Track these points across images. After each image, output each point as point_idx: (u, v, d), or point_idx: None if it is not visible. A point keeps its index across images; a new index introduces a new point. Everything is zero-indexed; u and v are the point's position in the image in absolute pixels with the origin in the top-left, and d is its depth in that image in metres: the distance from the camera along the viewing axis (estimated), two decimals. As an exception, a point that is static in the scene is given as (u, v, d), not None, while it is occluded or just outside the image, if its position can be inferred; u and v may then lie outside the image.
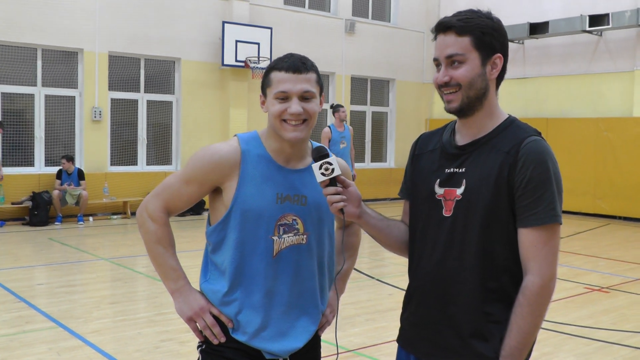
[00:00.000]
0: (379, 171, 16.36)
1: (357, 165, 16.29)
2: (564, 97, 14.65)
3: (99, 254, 8.90)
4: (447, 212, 1.93)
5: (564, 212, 13.85)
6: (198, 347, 2.18)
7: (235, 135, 2.17)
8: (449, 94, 1.91)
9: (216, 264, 2.13)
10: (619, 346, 5.20)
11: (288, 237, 2.10)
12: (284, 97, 2.04)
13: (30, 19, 11.54)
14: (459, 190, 1.91)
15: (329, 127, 10.07)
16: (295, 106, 2.03)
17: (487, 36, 1.87)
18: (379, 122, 16.89)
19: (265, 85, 2.11)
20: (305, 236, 2.13)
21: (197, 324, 2.14)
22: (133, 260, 8.44)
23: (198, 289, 2.20)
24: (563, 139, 14.11)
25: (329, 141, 9.88)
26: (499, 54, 1.90)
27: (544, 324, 5.55)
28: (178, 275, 2.15)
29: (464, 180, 1.91)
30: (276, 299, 2.09)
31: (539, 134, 1.92)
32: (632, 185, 13.20)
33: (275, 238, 2.08)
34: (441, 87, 1.92)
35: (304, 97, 2.06)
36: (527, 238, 1.83)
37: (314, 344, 2.23)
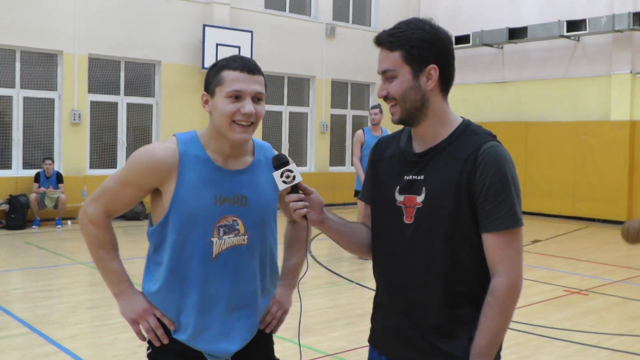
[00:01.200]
0: (360, 175, 16.34)
1: (336, 169, 16.30)
2: (543, 101, 14.79)
3: (76, 258, 8.78)
4: (408, 219, 1.95)
5: (544, 215, 14.01)
6: (148, 351, 2.17)
7: (173, 135, 2.13)
8: (391, 107, 1.96)
9: (157, 265, 2.13)
10: (598, 348, 5.23)
11: (229, 238, 2.09)
12: (237, 96, 2.02)
13: (9, 20, 11.39)
14: (420, 198, 1.93)
15: (362, 130, 8.96)
16: (249, 106, 2.01)
17: (416, 49, 1.87)
18: (359, 125, 16.84)
19: (213, 83, 2.06)
20: (246, 237, 2.12)
21: (141, 326, 2.13)
22: (111, 264, 8.33)
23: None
24: (542, 143, 14.25)
25: (362, 145, 8.70)
26: (432, 65, 1.89)
27: (523, 327, 5.60)
28: (120, 279, 2.16)
29: (424, 187, 1.92)
30: (215, 300, 2.09)
31: (495, 137, 1.94)
32: (610, 188, 13.34)
33: (214, 240, 2.07)
34: (384, 100, 1.97)
35: (258, 97, 2.05)
36: (492, 242, 1.87)
37: (261, 342, 2.22)
